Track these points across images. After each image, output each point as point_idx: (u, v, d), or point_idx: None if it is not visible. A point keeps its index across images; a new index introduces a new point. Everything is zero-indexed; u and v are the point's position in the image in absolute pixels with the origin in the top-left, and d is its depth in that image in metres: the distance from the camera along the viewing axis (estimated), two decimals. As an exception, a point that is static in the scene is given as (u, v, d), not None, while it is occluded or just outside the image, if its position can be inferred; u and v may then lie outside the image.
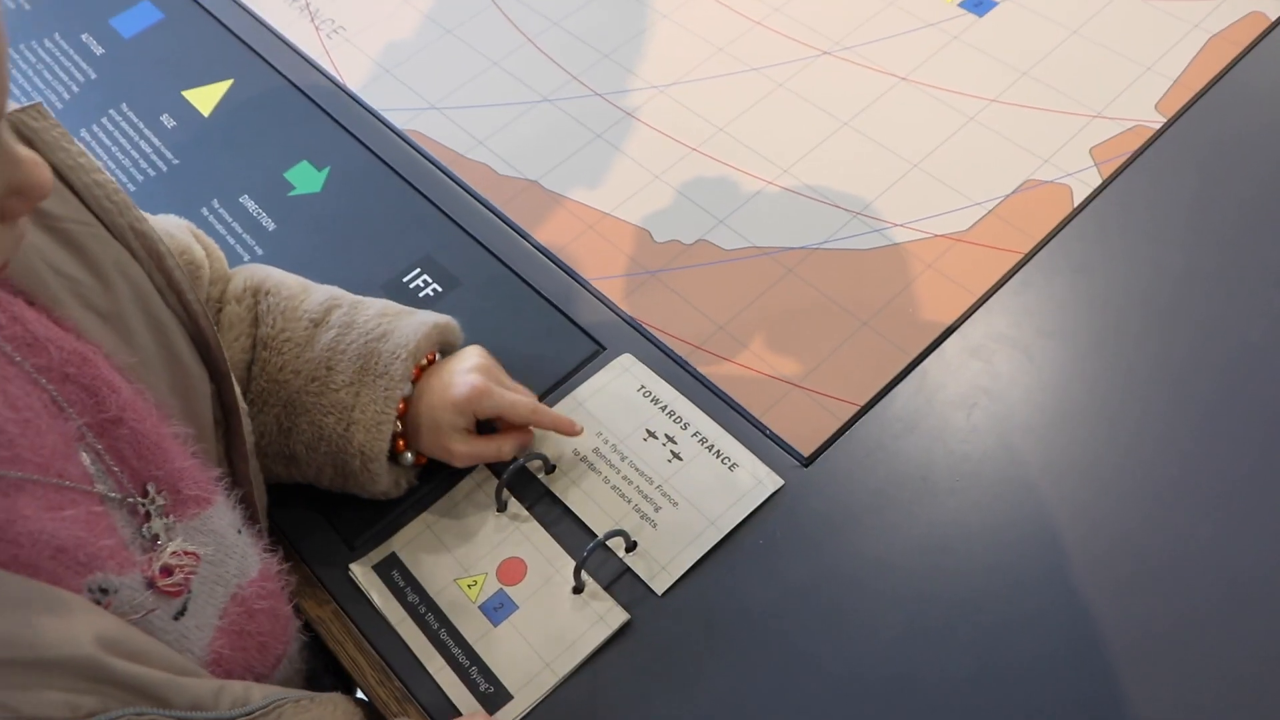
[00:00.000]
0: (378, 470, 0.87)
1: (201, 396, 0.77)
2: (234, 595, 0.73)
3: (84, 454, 0.64)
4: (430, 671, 0.84)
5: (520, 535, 0.89)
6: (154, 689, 0.57)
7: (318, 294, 0.91)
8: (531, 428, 0.93)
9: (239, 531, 0.75)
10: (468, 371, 0.89)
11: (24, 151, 0.51)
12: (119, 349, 0.70)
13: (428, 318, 0.90)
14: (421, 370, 0.90)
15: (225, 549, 0.73)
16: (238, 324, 0.88)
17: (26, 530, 0.57)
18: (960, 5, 1.23)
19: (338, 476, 0.88)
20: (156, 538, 0.67)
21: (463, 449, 0.89)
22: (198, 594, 0.69)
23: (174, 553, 0.67)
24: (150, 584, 0.65)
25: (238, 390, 0.81)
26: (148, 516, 0.67)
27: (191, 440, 0.73)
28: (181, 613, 0.67)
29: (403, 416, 0.88)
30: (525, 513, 0.90)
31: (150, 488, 0.68)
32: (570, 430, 0.92)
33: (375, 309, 0.90)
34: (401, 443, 0.89)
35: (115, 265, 0.72)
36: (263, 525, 0.84)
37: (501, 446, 0.91)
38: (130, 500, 0.66)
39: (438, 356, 0.93)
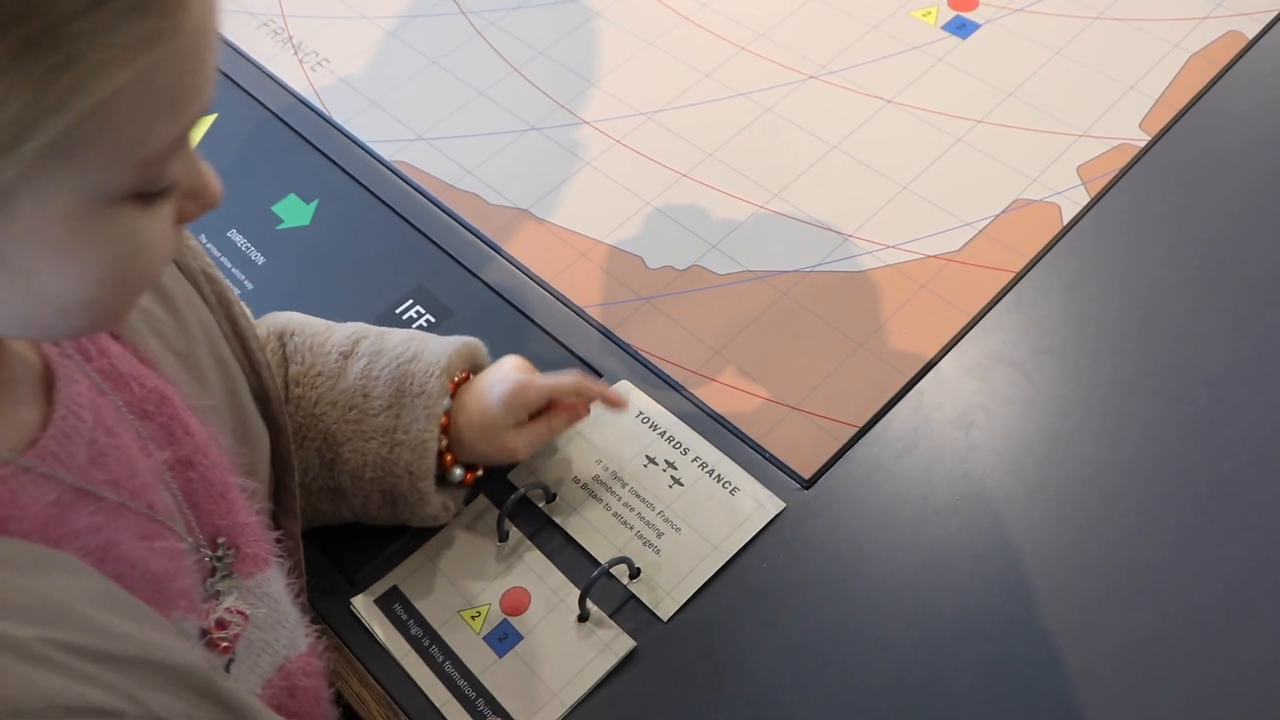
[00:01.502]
0: (426, 489, 0.86)
1: (262, 451, 0.77)
2: (281, 668, 0.70)
3: (164, 491, 0.63)
4: (436, 705, 0.83)
5: (523, 565, 0.89)
6: (253, 714, 0.55)
7: (343, 329, 0.91)
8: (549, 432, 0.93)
9: (293, 600, 0.74)
10: (509, 370, 0.90)
11: (203, 162, 0.53)
12: (193, 390, 0.69)
13: (456, 337, 0.91)
14: (457, 386, 0.90)
15: (279, 616, 0.71)
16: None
17: (126, 554, 0.57)
18: (944, 28, 1.24)
19: (386, 504, 0.87)
20: (219, 592, 0.66)
21: (519, 441, 0.89)
22: (242, 658, 0.67)
23: (228, 608, 0.66)
24: (204, 634, 0.64)
25: (293, 448, 0.81)
26: (213, 570, 0.66)
27: (255, 496, 0.73)
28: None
29: (445, 431, 0.88)
30: (527, 542, 0.90)
31: (221, 540, 0.67)
32: (618, 403, 0.92)
33: (402, 335, 0.90)
34: (450, 458, 0.89)
35: (189, 305, 0.71)
36: (305, 600, 0.83)
37: (553, 423, 0.91)
38: (201, 549, 0.65)
39: (470, 376, 0.92)
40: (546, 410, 0.92)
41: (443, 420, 0.87)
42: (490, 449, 0.89)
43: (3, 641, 0.43)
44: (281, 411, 0.80)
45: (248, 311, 0.79)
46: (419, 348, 0.88)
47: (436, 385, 0.86)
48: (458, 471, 0.90)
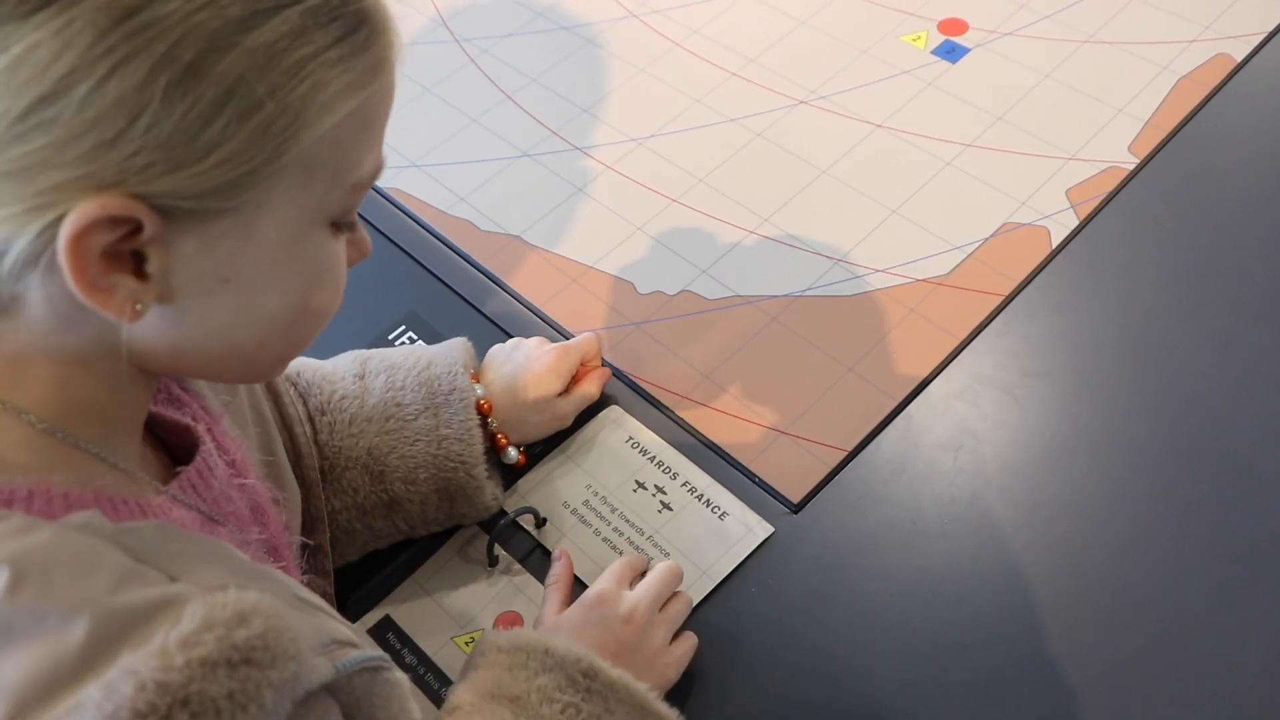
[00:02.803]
0: (481, 475, 0.89)
1: (295, 506, 0.79)
2: None
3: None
4: (427, 731, 0.83)
5: (514, 588, 0.89)
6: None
7: (339, 358, 0.93)
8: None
9: None
10: (538, 343, 0.97)
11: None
12: (247, 449, 0.72)
13: (451, 340, 0.95)
14: (475, 378, 0.93)
15: None
16: None
17: None
18: (934, 52, 1.25)
19: (443, 502, 0.89)
20: None
21: (568, 406, 0.95)
22: None
23: None
24: None
25: (323, 506, 0.83)
26: None
27: (298, 554, 0.76)
28: None
29: (490, 415, 0.91)
30: (518, 565, 0.90)
31: None
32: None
33: (402, 350, 0.94)
34: (503, 438, 0.92)
35: None
36: None
37: (590, 388, 0.97)
38: None
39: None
40: (578, 379, 0.97)
41: (485, 406, 0.91)
42: (542, 419, 0.94)
43: (276, 600, 0.47)
44: (312, 468, 0.82)
45: None
46: (428, 355, 0.92)
47: (463, 381, 0.90)
48: (512, 452, 0.93)
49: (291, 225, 0.53)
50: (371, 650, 0.55)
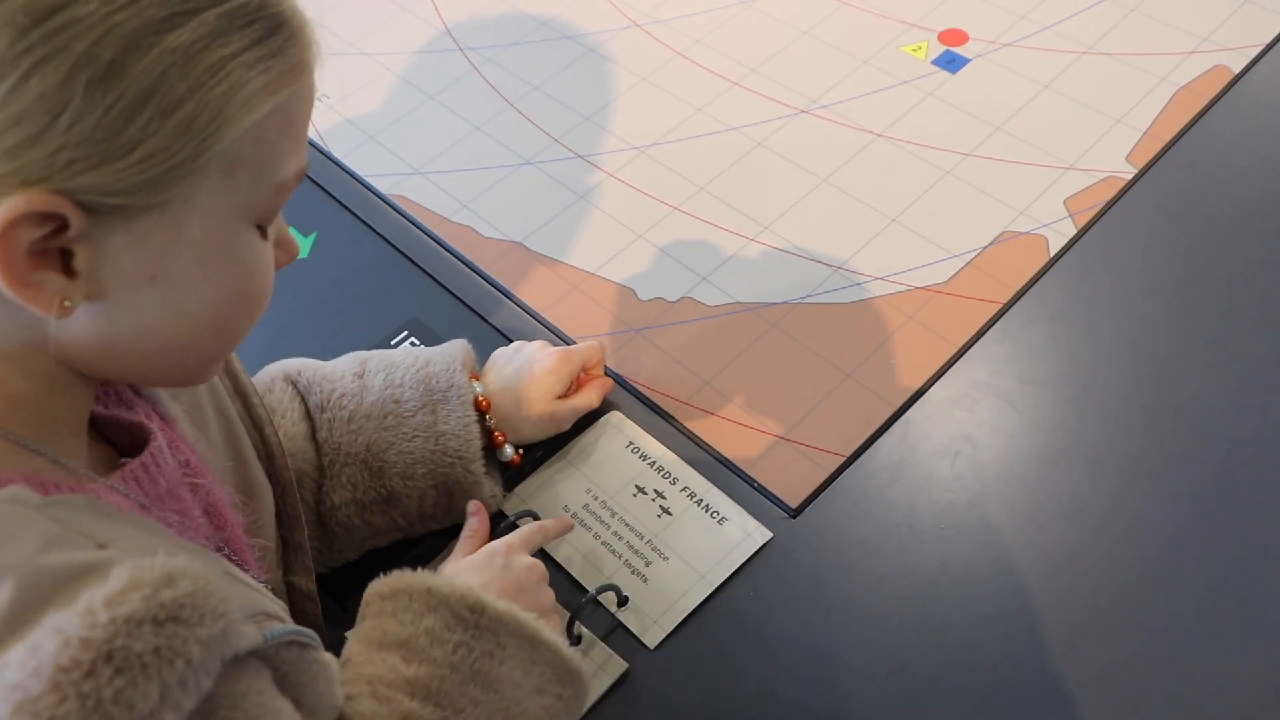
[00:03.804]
0: (478, 471, 0.90)
1: (266, 507, 0.79)
2: None
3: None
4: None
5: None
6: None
7: (342, 359, 0.94)
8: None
9: None
10: (540, 346, 0.98)
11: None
12: (200, 444, 0.71)
13: (451, 342, 0.96)
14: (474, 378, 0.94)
15: None
16: (281, 406, 0.90)
17: None
18: (934, 62, 1.26)
19: (441, 497, 0.90)
20: None
21: (567, 410, 0.96)
22: None
23: None
24: None
25: (300, 505, 0.83)
26: None
27: (266, 557, 0.75)
28: None
29: (488, 412, 0.93)
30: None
31: None
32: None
33: (401, 350, 0.95)
34: (500, 436, 0.94)
35: None
36: None
37: (590, 396, 0.98)
38: None
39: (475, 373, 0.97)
40: (579, 385, 0.98)
41: (484, 404, 0.92)
42: (540, 420, 0.94)
43: (205, 566, 0.48)
44: (285, 467, 0.82)
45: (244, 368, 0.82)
46: (426, 355, 0.94)
47: (461, 378, 0.91)
48: (509, 450, 0.94)
49: (217, 222, 0.54)
50: (300, 628, 0.56)
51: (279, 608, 0.57)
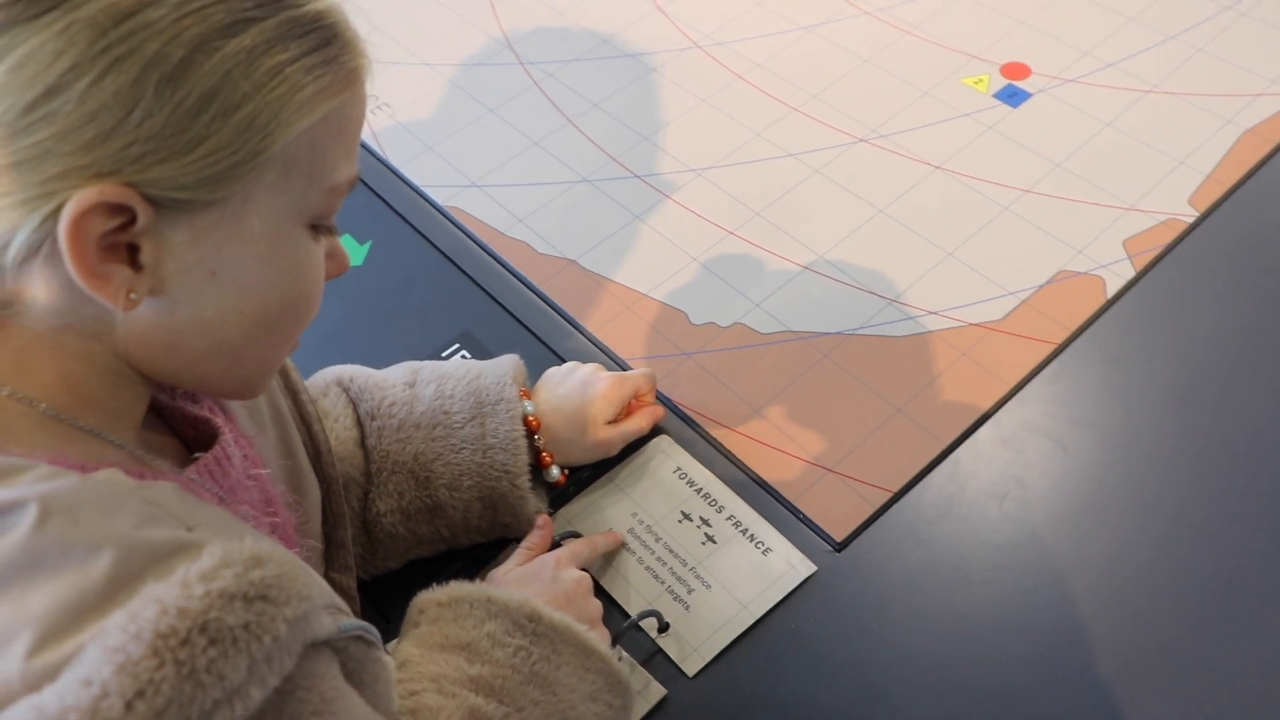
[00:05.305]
0: (524, 486, 0.91)
1: (314, 504, 0.81)
2: None
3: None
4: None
5: None
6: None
7: (394, 368, 0.95)
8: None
9: None
10: (594, 369, 0.98)
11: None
12: (263, 447, 0.73)
13: (503, 357, 0.97)
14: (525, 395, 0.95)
15: None
16: (334, 411, 0.91)
17: None
18: (995, 96, 1.25)
19: (486, 510, 0.91)
20: None
21: (616, 435, 0.96)
22: None
23: None
24: None
25: (345, 502, 0.85)
26: None
27: (313, 558, 0.77)
28: None
29: (538, 432, 0.93)
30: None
31: None
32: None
33: (454, 362, 0.96)
34: (548, 456, 0.94)
35: None
36: None
37: (641, 423, 0.98)
38: None
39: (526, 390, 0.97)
40: (629, 411, 0.98)
41: (534, 423, 0.92)
42: (588, 443, 0.94)
43: (293, 557, 0.52)
44: (332, 465, 0.83)
45: (295, 366, 0.84)
46: (478, 368, 0.95)
47: (512, 393, 0.92)
48: (555, 470, 0.95)
49: (273, 222, 0.57)
50: (367, 624, 0.57)
51: (346, 605, 0.58)
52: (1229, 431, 0.95)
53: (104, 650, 0.44)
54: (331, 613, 0.54)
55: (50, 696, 0.43)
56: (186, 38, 0.51)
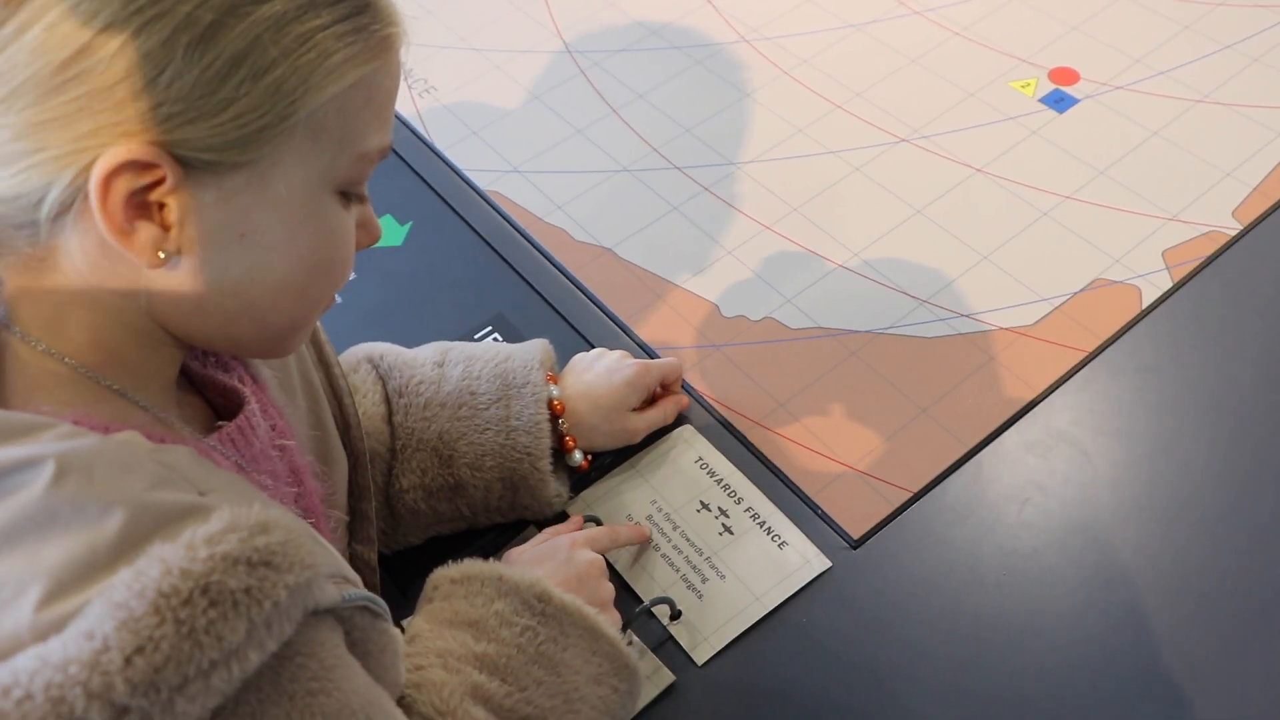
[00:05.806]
0: (545, 469, 0.92)
1: (341, 475, 0.82)
2: None
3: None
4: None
5: None
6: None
7: (424, 348, 0.97)
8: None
9: None
10: (621, 356, 0.99)
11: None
12: (287, 407, 0.75)
13: (532, 341, 0.98)
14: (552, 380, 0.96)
15: None
16: (363, 386, 0.93)
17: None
18: (1041, 100, 1.24)
19: (506, 491, 0.92)
20: None
21: (640, 423, 0.97)
22: None
23: None
24: None
25: (370, 476, 0.86)
26: None
27: (339, 529, 0.78)
28: None
29: (562, 416, 0.94)
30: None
31: None
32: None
33: (484, 344, 0.97)
34: (570, 440, 0.95)
35: None
36: None
37: (666, 411, 0.99)
38: None
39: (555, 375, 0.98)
40: (655, 399, 0.99)
41: (558, 407, 0.93)
42: (612, 429, 0.96)
43: (300, 526, 0.53)
44: (360, 439, 0.85)
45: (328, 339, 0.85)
46: (507, 350, 0.96)
47: (538, 376, 0.93)
48: (577, 455, 0.95)
49: (302, 186, 0.58)
50: (373, 595, 0.58)
51: (354, 576, 0.59)
52: (1256, 448, 0.94)
53: (108, 606, 0.45)
54: (337, 582, 0.54)
55: (54, 647, 0.44)
56: (217, 1, 0.52)
